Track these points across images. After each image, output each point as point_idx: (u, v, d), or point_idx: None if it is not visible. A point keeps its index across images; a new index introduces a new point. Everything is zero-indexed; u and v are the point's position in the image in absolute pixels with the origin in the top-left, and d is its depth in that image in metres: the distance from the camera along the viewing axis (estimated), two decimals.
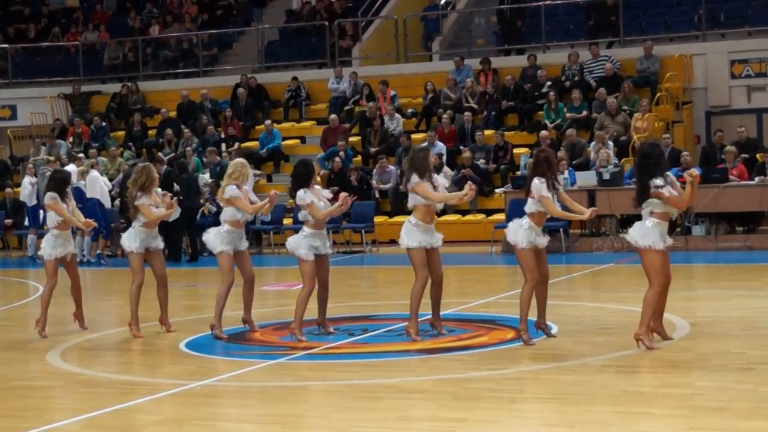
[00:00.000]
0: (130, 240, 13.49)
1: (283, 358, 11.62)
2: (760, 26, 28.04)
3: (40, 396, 10.35)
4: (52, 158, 26.62)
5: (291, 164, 28.96)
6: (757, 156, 23.49)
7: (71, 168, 23.53)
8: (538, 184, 11.75)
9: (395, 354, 11.69)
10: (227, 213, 13.05)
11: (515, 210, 22.21)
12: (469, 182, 12.65)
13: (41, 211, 25.02)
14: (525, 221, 11.81)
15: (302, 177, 12.75)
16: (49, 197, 13.73)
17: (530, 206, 11.85)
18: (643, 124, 25.22)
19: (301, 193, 12.60)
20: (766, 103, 26.83)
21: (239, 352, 12.12)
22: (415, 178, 12.13)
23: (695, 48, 27.77)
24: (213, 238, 12.99)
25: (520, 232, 11.76)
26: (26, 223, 26.23)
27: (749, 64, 27.22)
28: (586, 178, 22.89)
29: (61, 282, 14.12)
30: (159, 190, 13.75)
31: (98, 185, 24.07)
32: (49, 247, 13.73)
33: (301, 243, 12.62)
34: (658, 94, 26.41)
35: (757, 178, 22.27)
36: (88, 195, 23.55)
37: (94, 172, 24.33)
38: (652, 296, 11.18)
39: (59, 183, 13.89)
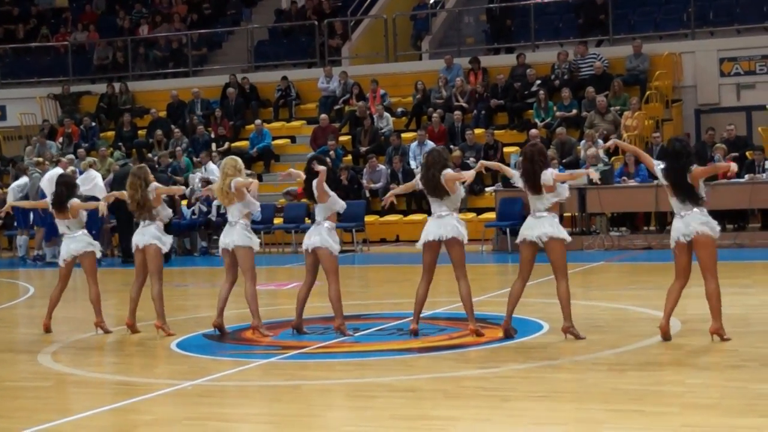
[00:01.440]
0: (160, 238, 13.44)
1: (275, 357, 11.62)
2: (748, 24, 28.10)
3: (30, 396, 10.32)
4: (41, 159, 26.55)
5: (281, 164, 29.07)
6: (747, 154, 23.54)
7: (55, 171, 23.37)
8: (552, 174, 11.69)
9: (387, 353, 11.69)
10: (240, 208, 12.92)
11: (506, 208, 22.41)
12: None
13: (31, 213, 24.96)
14: (551, 217, 11.74)
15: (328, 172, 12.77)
16: (79, 204, 13.64)
17: (548, 200, 11.75)
18: (633, 122, 25.27)
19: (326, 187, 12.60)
20: (755, 101, 26.87)
21: (231, 352, 12.11)
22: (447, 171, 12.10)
23: (684, 46, 27.83)
24: (242, 237, 12.84)
25: (556, 227, 11.68)
26: (15, 224, 26.17)
27: (738, 62, 27.28)
28: None
29: (51, 284, 14.06)
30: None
31: (96, 186, 23.92)
32: (89, 247, 13.68)
33: (330, 238, 12.58)
34: (647, 93, 26.45)
35: (746, 176, 22.31)
36: (84, 194, 23.40)
37: (92, 172, 24.24)
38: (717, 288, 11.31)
39: (72, 188, 13.78)
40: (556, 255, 11.76)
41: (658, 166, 11.51)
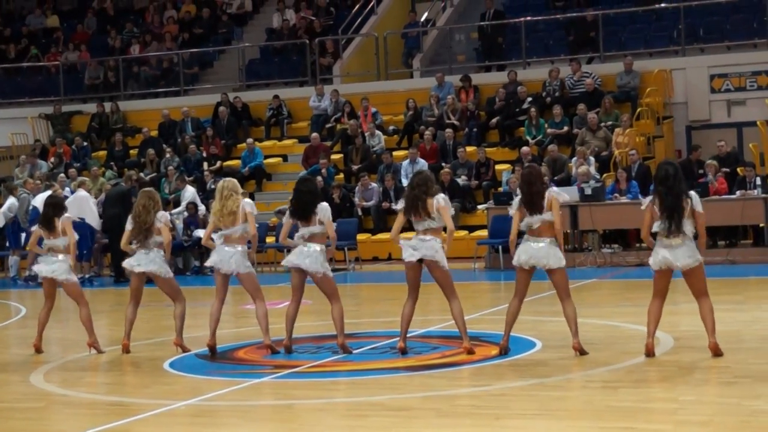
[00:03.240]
0: (165, 264, 13.45)
1: (268, 376, 11.60)
2: (739, 41, 28.19)
3: (22, 417, 10.29)
4: (30, 180, 26.48)
5: (273, 182, 29.10)
6: (738, 170, 23.59)
7: (48, 193, 23.33)
8: (560, 193, 11.76)
9: (380, 372, 11.68)
10: (241, 231, 12.82)
11: (498, 226, 22.39)
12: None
13: (23, 234, 24.90)
14: (551, 243, 11.75)
15: (320, 195, 12.80)
16: (68, 218, 13.66)
17: (545, 219, 11.76)
18: (625, 139, 25.31)
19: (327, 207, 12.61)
20: (745, 117, 26.95)
21: (224, 371, 12.08)
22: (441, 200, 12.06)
23: (675, 63, 27.91)
24: (244, 265, 12.81)
25: (558, 252, 11.72)
26: (7, 244, 26.10)
27: (729, 79, 27.35)
28: (568, 194, 22.84)
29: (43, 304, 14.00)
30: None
31: (87, 205, 23.86)
32: (70, 271, 13.68)
33: (323, 260, 12.56)
34: (638, 109, 26.50)
35: (738, 192, 22.35)
36: (75, 214, 23.33)
37: (82, 192, 24.16)
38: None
39: (59, 209, 13.73)
40: (559, 279, 11.82)
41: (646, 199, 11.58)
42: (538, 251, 11.73)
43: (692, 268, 11.27)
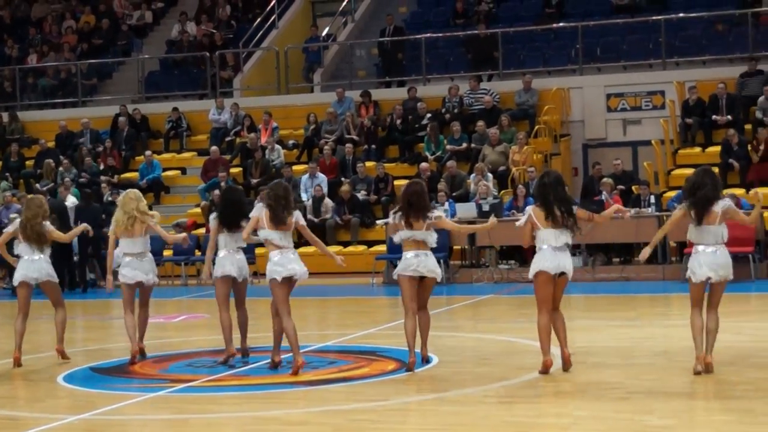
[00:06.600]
0: (51, 270, 13.36)
1: (163, 390, 11.51)
2: (634, 60, 28.63)
3: None
4: None
5: (171, 195, 28.89)
6: (633, 188, 23.95)
7: None
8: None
9: (278, 386, 11.65)
10: (145, 241, 13.29)
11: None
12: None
13: None
14: (432, 255, 12.03)
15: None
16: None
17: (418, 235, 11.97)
18: (521, 157, 25.54)
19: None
20: (640, 136, 27.34)
21: (119, 385, 11.97)
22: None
23: (572, 81, 28.23)
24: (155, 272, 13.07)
25: (434, 264, 12.01)
26: None
27: (625, 98, 27.73)
28: (466, 210, 23.09)
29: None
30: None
31: None
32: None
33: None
34: (536, 127, 26.77)
35: (632, 210, 22.65)
36: None
37: None
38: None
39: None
40: (429, 291, 12.17)
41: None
42: (424, 262, 12.02)
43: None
